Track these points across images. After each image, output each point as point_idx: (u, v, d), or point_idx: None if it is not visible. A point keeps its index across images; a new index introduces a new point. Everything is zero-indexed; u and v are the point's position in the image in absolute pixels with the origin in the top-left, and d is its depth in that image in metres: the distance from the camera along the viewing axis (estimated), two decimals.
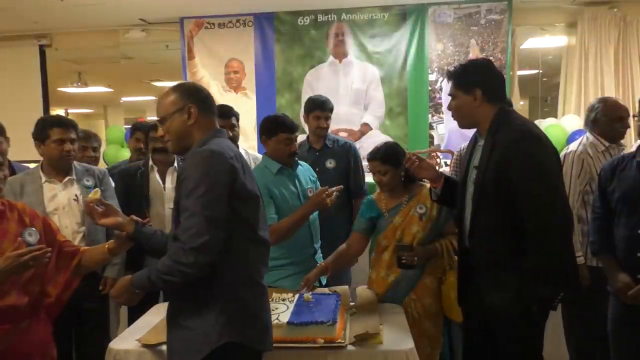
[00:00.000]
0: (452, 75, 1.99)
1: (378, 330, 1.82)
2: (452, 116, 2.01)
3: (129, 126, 4.17)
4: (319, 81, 5.08)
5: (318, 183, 2.60)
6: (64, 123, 2.39)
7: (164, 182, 2.79)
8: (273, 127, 2.42)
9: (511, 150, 1.78)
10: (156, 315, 2.12)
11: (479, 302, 1.89)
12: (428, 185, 2.28)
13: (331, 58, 5.07)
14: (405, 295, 2.20)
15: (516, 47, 5.09)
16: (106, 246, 1.82)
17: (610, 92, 4.76)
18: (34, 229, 1.71)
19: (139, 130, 3.30)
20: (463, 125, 2.03)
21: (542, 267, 1.72)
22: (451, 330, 2.31)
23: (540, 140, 1.81)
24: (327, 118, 3.04)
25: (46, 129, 2.34)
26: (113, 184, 2.69)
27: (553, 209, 1.74)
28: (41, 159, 2.46)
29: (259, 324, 1.58)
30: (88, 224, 2.40)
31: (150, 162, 2.79)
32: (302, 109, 5.02)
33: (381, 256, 2.27)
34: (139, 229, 1.74)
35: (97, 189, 1.94)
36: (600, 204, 2.22)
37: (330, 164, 3.02)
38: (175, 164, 2.83)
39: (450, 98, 2.00)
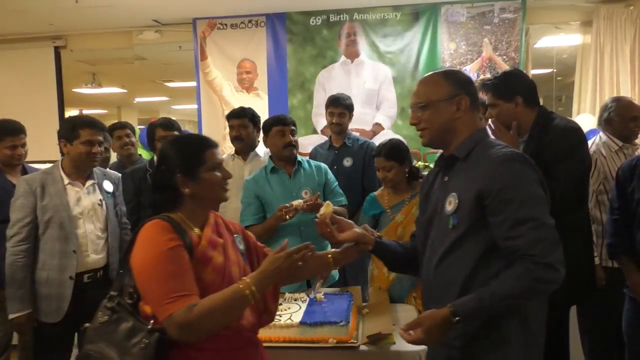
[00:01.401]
0: (490, 87, 2.11)
1: (391, 331, 1.81)
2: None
3: (143, 127, 4.22)
4: (331, 81, 5.08)
5: (335, 184, 2.60)
6: (96, 124, 2.33)
7: None
8: (267, 124, 2.53)
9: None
10: None
11: None
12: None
13: (343, 58, 5.06)
14: (407, 293, 2.21)
15: (530, 46, 5.04)
16: (329, 255, 1.63)
17: (626, 91, 4.69)
18: (239, 235, 1.58)
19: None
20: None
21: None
22: None
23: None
24: (342, 115, 3.07)
25: (77, 128, 2.27)
26: None
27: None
28: (54, 159, 2.43)
29: None
30: (112, 230, 2.39)
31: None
32: (320, 109, 5.18)
33: None
34: (379, 240, 1.61)
35: (328, 202, 1.68)
36: (618, 204, 2.19)
37: (347, 162, 3.07)
38: None
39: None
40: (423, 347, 1.76)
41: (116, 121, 4.05)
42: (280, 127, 2.48)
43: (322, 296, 2.10)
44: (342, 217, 1.62)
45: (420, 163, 4.04)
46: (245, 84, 5.20)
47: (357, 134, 4.94)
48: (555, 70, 6.10)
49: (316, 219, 1.57)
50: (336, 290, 2.30)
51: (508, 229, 1.30)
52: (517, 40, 4.79)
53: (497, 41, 4.84)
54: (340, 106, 3.06)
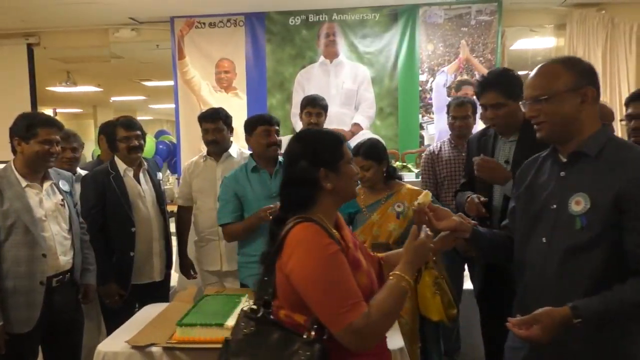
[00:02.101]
0: (497, 86, 2.05)
1: None
2: (494, 123, 2.05)
3: None
4: (310, 81, 5.09)
5: None
6: (54, 123, 2.24)
7: (139, 183, 2.75)
8: (252, 123, 2.52)
9: None
10: (145, 316, 2.11)
11: None
12: (408, 185, 2.31)
13: (322, 58, 5.07)
14: None
15: (506, 48, 5.13)
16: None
17: None
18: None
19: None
20: (510, 132, 2.09)
21: None
22: (425, 329, 2.32)
23: None
24: (319, 115, 3.06)
25: (35, 127, 2.15)
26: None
27: None
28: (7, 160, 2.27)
29: None
30: (75, 230, 2.34)
31: (123, 165, 2.71)
32: (298, 109, 5.17)
33: None
34: (476, 228, 1.54)
35: (427, 191, 1.61)
36: None
37: None
38: (146, 164, 2.80)
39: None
40: (400, 345, 1.78)
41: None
42: (266, 126, 2.47)
43: None
44: (439, 206, 1.56)
45: (398, 163, 4.07)
46: (224, 83, 5.17)
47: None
48: (530, 72, 6.21)
49: (414, 208, 1.55)
50: None
51: None
52: (493, 42, 4.87)
53: (474, 43, 4.91)
54: (317, 106, 3.06)
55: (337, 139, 1.43)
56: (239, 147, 2.98)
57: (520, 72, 6.51)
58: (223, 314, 1.93)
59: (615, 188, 1.30)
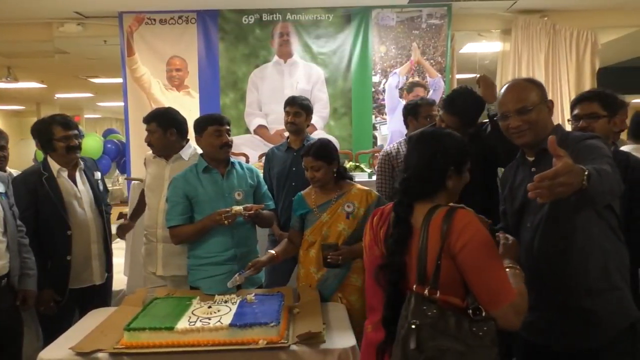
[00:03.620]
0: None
1: (320, 329, 1.83)
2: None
3: None
4: (264, 81, 5.06)
5: (265, 188, 2.61)
6: None
7: (75, 184, 2.66)
8: (202, 123, 2.47)
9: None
10: (91, 322, 2.04)
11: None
12: (358, 185, 2.33)
13: (276, 58, 5.05)
14: (333, 293, 2.25)
15: (455, 51, 5.27)
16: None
17: None
18: None
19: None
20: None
21: None
22: None
23: None
24: (298, 114, 3.01)
25: None
26: None
27: None
28: None
29: None
30: (11, 233, 2.23)
31: (57, 165, 2.60)
32: (252, 109, 5.15)
33: (308, 252, 2.31)
34: (490, 227, 1.70)
35: None
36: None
37: None
38: (82, 164, 2.72)
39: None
40: (352, 343, 1.80)
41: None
42: (217, 126, 2.43)
43: (253, 297, 2.08)
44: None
45: (351, 163, 4.10)
46: (175, 81, 5.06)
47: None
48: (478, 76, 6.42)
49: None
50: (267, 291, 2.29)
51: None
52: (443, 45, 5.00)
53: (425, 46, 5.02)
54: (295, 105, 3.01)
55: (466, 144, 1.57)
56: (194, 148, 2.88)
57: (468, 75, 6.76)
58: (173, 317, 1.89)
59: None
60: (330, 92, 5.04)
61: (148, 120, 2.71)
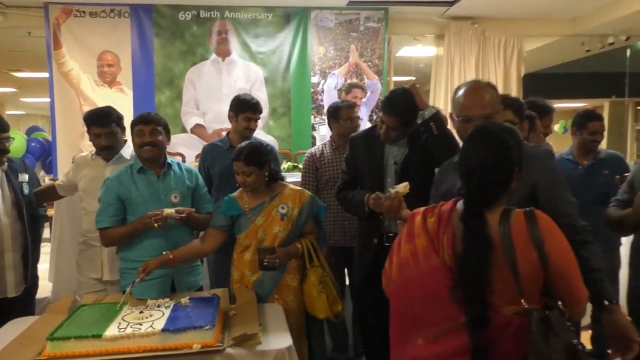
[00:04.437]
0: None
1: (256, 331, 1.81)
2: (393, 135, 2.17)
3: None
4: (201, 79, 4.96)
5: (204, 189, 2.52)
6: None
7: None
8: (132, 123, 2.39)
9: None
10: (10, 333, 1.91)
11: None
12: (291, 185, 2.32)
13: (214, 56, 4.97)
14: (269, 294, 2.23)
15: (392, 54, 5.41)
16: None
17: None
18: None
19: None
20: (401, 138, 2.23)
21: None
22: (311, 329, 2.35)
23: None
24: (257, 120, 2.94)
25: None
26: None
27: None
28: None
29: None
30: None
31: None
32: (189, 107, 5.01)
33: (242, 256, 2.26)
34: None
35: (407, 183, 1.80)
36: None
37: None
38: (6, 165, 2.54)
39: None
40: (289, 344, 1.80)
41: None
42: (140, 126, 2.34)
43: (187, 301, 2.03)
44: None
45: (289, 163, 4.10)
46: (107, 77, 4.85)
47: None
48: (414, 78, 6.62)
49: (389, 194, 1.71)
50: (202, 294, 2.24)
51: None
52: (380, 48, 5.11)
53: (363, 48, 5.11)
54: (258, 112, 2.92)
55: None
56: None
57: (404, 78, 6.96)
58: (101, 324, 1.80)
59: (534, 174, 1.55)
60: (270, 92, 5.02)
61: (107, 121, 2.58)
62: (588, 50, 5.99)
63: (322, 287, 2.20)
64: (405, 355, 1.38)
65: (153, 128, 2.34)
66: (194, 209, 2.33)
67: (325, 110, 5.09)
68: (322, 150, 3.02)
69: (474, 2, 4.89)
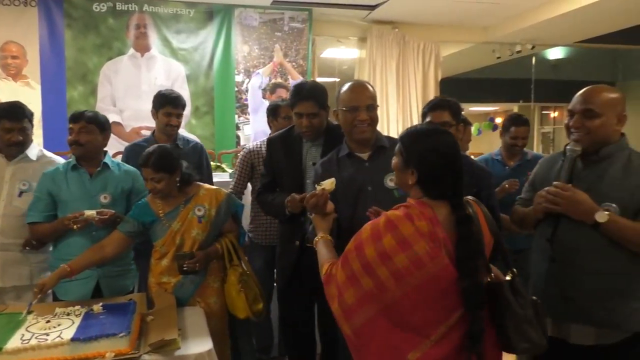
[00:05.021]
0: (312, 96, 2.21)
1: (175, 336, 1.75)
2: (309, 130, 2.18)
3: None
4: (118, 74, 4.73)
5: (144, 192, 2.34)
6: None
7: None
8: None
9: None
10: None
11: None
12: (206, 185, 2.26)
13: (132, 50, 4.76)
14: (190, 297, 2.17)
15: (316, 55, 5.46)
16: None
17: (393, 101, 5.44)
18: None
19: None
20: (318, 136, 2.26)
21: None
22: (235, 329, 2.32)
23: None
24: (179, 116, 2.81)
25: None
26: None
27: None
28: None
29: None
30: None
31: None
32: (105, 103, 4.75)
33: (160, 262, 2.18)
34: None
35: (334, 179, 1.78)
36: None
37: None
38: None
39: None
40: (209, 347, 1.76)
41: None
42: (71, 124, 2.29)
43: (100, 307, 1.92)
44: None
45: (213, 163, 4.01)
46: (11, 70, 4.49)
47: (148, 133, 4.71)
48: (338, 80, 6.72)
49: (315, 189, 1.72)
50: (117, 300, 2.13)
51: None
52: (304, 49, 5.14)
53: (288, 48, 5.12)
54: (179, 106, 2.79)
55: None
56: (40, 149, 2.57)
57: (328, 79, 7.03)
58: (2, 336, 1.66)
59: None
60: (192, 90, 4.89)
61: (20, 116, 2.39)
62: (498, 58, 6.40)
63: (242, 287, 2.17)
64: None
65: (82, 126, 2.26)
66: (114, 212, 2.20)
67: (249, 109, 5.08)
68: (261, 147, 2.98)
69: (394, 7, 5.05)
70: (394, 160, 1.49)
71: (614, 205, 1.60)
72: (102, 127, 2.33)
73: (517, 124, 3.00)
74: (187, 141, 2.95)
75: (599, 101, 1.65)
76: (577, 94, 1.72)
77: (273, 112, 3.05)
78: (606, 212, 1.58)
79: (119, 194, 2.31)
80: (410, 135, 1.46)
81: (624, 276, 1.63)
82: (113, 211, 2.21)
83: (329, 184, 1.75)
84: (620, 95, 1.70)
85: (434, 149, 1.39)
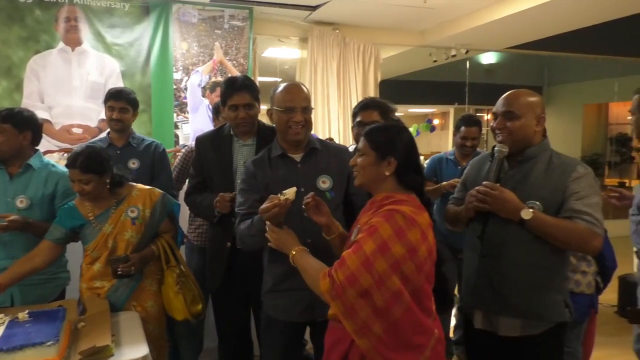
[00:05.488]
0: (248, 88, 2.22)
1: (108, 342, 1.68)
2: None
3: None
4: (47, 69, 4.49)
5: (71, 197, 2.20)
6: None
7: None
8: None
9: None
10: None
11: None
12: (139, 185, 2.19)
13: (62, 44, 4.53)
14: (125, 301, 2.09)
15: (257, 54, 5.42)
16: None
17: (334, 101, 5.50)
18: None
19: None
20: (250, 135, 2.26)
21: None
22: (174, 330, 2.26)
23: None
24: (124, 110, 2.66)
25: None
26: None
27: None
28: None
29: None
30: None
31: None
32: (32, 99, 4.47)
33: (91, 267, 2.09)
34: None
35: (294, 188, 1.67)
36: None
37: (133, 164, 2.66)
38: None
39: None
40: (144, 353, 1.71)
41: None
42: None
43: (26, 315, 1.82)
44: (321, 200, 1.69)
45: None
46: None
47: (80, 131, 4.50)
48: (280, 80, 6.72)
49: (277, 200, 1.61)
50: (44, 307, 2.01)
51: None
52: (245, 47, 5.09)
53: (228, 46, 5.05)
54: (122, 100, 2.64)
55: None
56: None
57: (270, 79, 7.01)
58: None
59: (344, 167, 1.78)
60: (128, 87, 4.70)
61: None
62: (435, 61, 6.63)
63: (180, 288, 2.12)
64: (432, 337, 1.44)
65: (4, 126, 2.12)
66: (17, 217, 2.06)
67: (189, 107, 4.96)
68: None
69: (335, 9, 5.11)
70: (360, 159, 1.52)
71: (537, 203, 1.70)
72: (20, 126, 2.17)
73: (467, 124, 3.04)
74: (141, 139, 2.84)
75: (518, 104, 1.76)
76: (501, 97, 1.83)
77: (216, 111, 3.02)
78: (530, 210, 1.67)
79: (39, 198, 2.18)
80: (382, 129, 1.54)
81: (546, 269, 1.74)
82: (16, 216, 2.06)
83: (291, 193, 1.70)
84: (538, 98, 1.81)
85: (409, 138, 1.52)
